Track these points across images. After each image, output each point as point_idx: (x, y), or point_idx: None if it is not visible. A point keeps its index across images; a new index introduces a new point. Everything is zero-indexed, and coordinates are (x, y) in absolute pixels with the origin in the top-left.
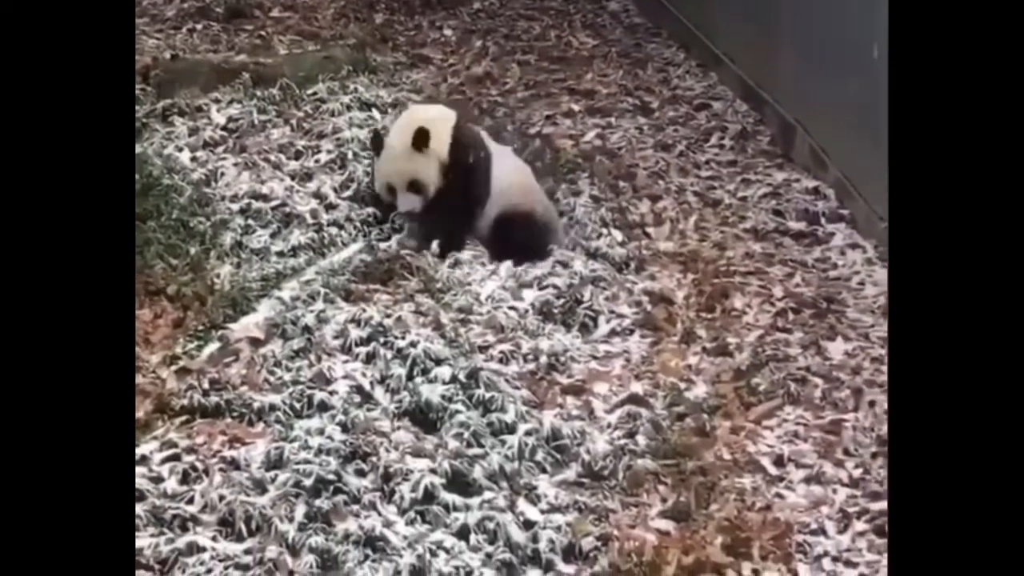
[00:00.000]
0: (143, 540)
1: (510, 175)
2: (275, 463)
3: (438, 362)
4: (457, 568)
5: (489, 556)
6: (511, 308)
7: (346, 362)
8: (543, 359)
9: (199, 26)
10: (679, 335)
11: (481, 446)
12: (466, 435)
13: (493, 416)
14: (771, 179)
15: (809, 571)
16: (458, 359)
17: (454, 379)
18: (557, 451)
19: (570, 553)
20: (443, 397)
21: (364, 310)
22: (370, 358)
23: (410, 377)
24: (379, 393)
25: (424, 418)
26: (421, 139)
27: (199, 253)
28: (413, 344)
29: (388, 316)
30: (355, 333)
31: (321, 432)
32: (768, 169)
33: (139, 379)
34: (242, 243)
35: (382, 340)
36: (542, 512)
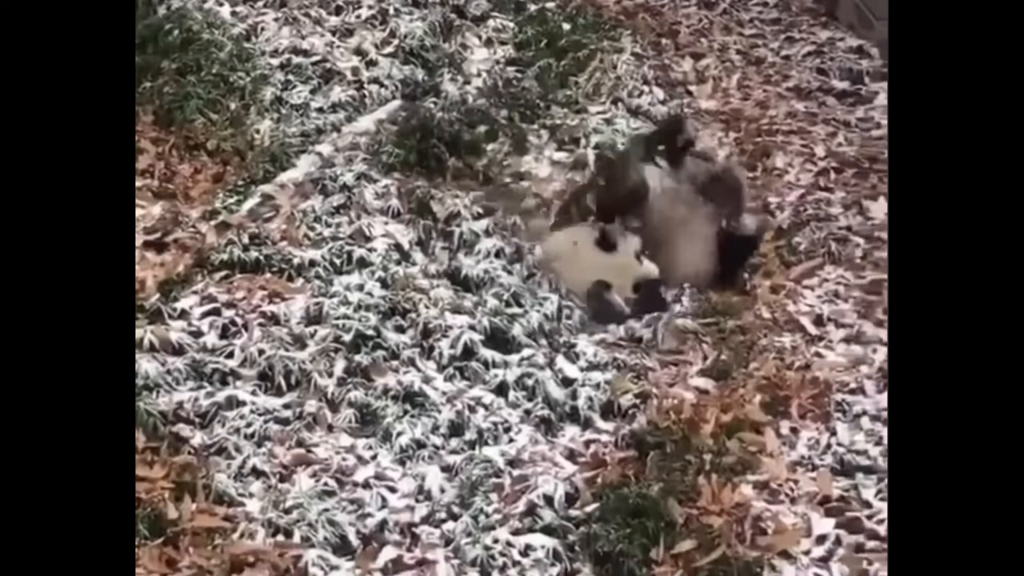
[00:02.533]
0: (183, 394)
1: None
2: (314, 318)
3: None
4: (495, 424)
5: (528, 412)
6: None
7: (386, 223)
8: None
9: None
10: None
11: (520, 306)
12: (506, 296)
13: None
14: (815, 37)
15: (847, 430)
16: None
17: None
18: None
19: (608, 410)
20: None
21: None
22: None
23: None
24: (418, 256)
25: (464, 279)
26: None
27: (239, 108)
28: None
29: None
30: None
31: (360, 288)
32: (812, 27)
33: (179, 233)
34: (282, 98)
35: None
36: (581, 370)
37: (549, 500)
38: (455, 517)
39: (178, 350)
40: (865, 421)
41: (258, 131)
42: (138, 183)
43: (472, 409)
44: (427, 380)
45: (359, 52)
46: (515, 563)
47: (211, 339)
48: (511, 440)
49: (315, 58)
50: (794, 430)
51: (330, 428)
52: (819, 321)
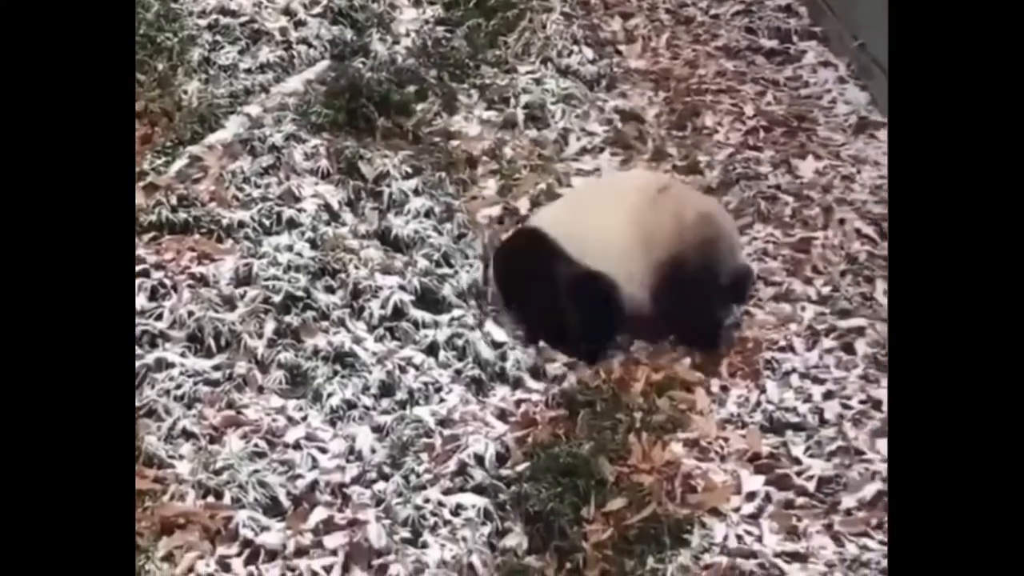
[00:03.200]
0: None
1: None
2: (244, 279)
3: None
4: (426, 384)
5: (458, 372)
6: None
7: (315, 183)
8: None
9: None
10: (649, 153)
11: (451, 266)
12: (436, 256)
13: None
14: None
15: (777, 387)
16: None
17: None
18: None
19: (537, 372)
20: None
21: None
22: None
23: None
24: (348, 216)
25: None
26: None
27: (166, 69)
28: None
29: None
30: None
31: (290, 249)
32: None
33: None
34: (210, 59)
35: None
36: (509, 335)
37: (480, 460)
38: (386, 477)
39: None
40: (794, 378)
41: (186, 92)
42: None
43: (403, 369)
44: (357, 341)
45: (287, 12)
46: (446, 523)
47: (140, 301)
48: (442, 400)
49: (243, 18)
50: (724, 388)
51: (260, 389)
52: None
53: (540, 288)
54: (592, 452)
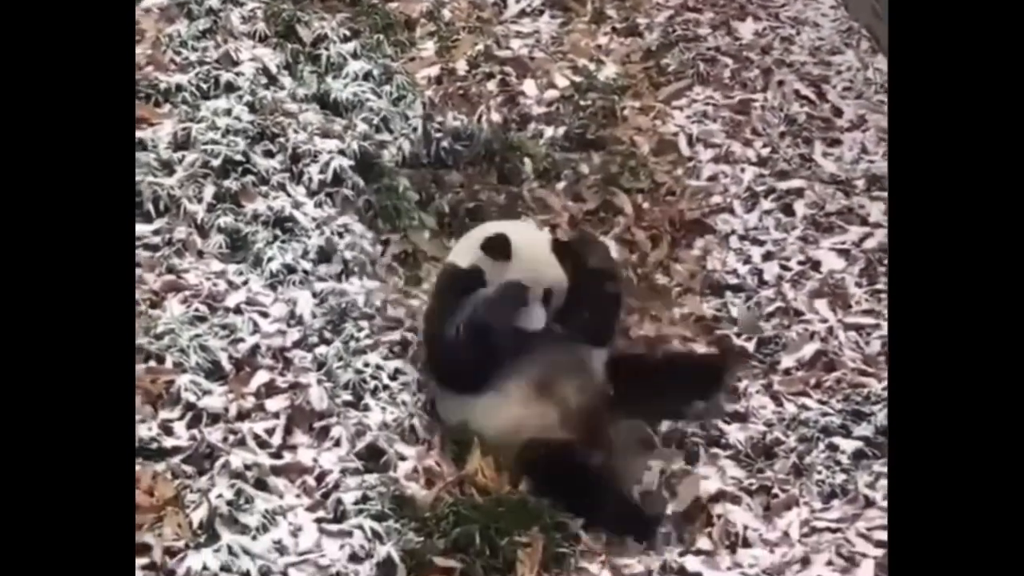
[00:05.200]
0: None
1: None
2: (182, 144)
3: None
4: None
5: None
6: None
7: (253, 47)
8: None
9: None
10: (589, 15)
11: (390, 131)
12: (375, 120)
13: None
14: None
15: (718, 248)
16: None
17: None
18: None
19: None
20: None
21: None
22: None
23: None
24: (286, 80)
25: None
26: None
27: None
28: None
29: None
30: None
31: (228, 112)
32: None
33: None
34: None
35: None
36: None
37: (415, 330)
38: (327, 342)
39: None
40: (734, 240)
41: None
42: None
43: (341, 236)
44: (297, 205)
45: None
46: (385, 387)
47: None
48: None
49: None
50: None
51: (200, 254)
52: (689, 142)
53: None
54: None
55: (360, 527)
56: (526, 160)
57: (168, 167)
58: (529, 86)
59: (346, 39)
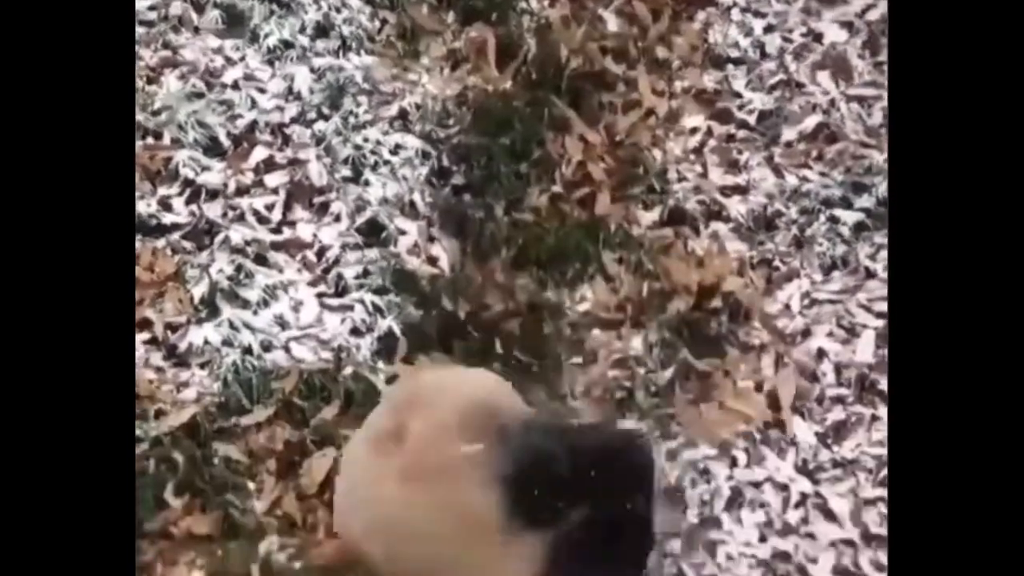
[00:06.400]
0: None
1: None
2: None
3: None
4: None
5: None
6: None
7: None
8: None
9: None
10: None
11: None
12: None
13: None
14: None
15: (720, 21)
16: None
17: None
18: None
19: None
20: None
21: None
22: None
23: None
24: None
25: None
26: None
27: None
28: None
29: None
30: None
31: None
32: None
33: None
34: None
35: None
36: None
37: (418, 107)
38: (325, 117)
39: None
40: (735, 13)
41: None
42: None
43: (338, 11)
44: None
45: None
46: (385, 162)
47: None
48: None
49: None
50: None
51: (196, 30)
52: None
53: None
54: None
55: (361, 301)
56: None
57: None
58: None
59: None
